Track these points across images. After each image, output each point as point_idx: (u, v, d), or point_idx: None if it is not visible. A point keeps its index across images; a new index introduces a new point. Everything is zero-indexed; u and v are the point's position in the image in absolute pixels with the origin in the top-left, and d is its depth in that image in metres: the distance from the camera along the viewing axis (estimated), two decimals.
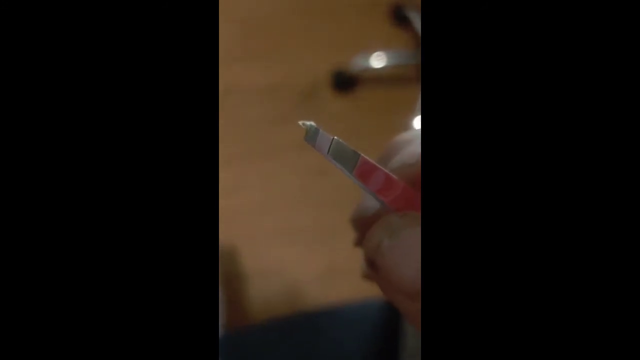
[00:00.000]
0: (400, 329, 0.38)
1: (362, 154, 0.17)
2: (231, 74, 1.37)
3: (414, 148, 0.18)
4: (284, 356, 0.42)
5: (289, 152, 1.34)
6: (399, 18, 1.57)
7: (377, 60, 1.45)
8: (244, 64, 1.42)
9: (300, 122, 0.17)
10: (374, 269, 0.17)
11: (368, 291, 0.37)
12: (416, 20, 1.52)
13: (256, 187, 1.30)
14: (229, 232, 1.12)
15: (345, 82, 1.44)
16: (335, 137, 0.17)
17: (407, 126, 1.21)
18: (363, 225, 0.19)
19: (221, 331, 0.56)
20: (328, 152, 0.17)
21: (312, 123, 0.17)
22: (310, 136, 0.17)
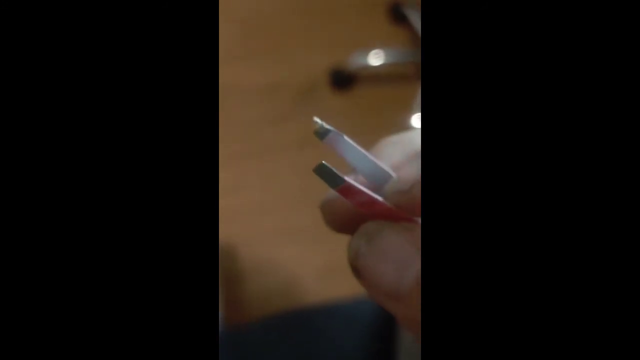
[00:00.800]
0: (397, 326, 0.38)
1: (348, 179, 0.18)
2: (230, 74, 1.37)
3: (409, 171, 0.18)
4: (282, 354, 0.42)
5: (288, 151, 1.34)
6: (397, 16, 1.57)
7: (375, 58, 1.45)
8: (242, 63, 1.42)
9: (315, 119, 0.18)
10: (356, 273, 0.18)
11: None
12: (414, 18, 1.52)
13: (255, 186, 1.30)
14: (228, 231, 1.12)
15: (344, 80, 1.44)
16: (324, 162, 0.18)
17: (406, 124, 1.22)
18: (332, 211, 0.20)
19: (220, 329, 0.57)
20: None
21: (324, 124, 0.18)
22: (320, 134, 0.18)
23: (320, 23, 1.53)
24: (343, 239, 0.19)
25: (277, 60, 1.49)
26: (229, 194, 1.17)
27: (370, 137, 0.22)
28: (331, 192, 0.19)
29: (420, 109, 0.20)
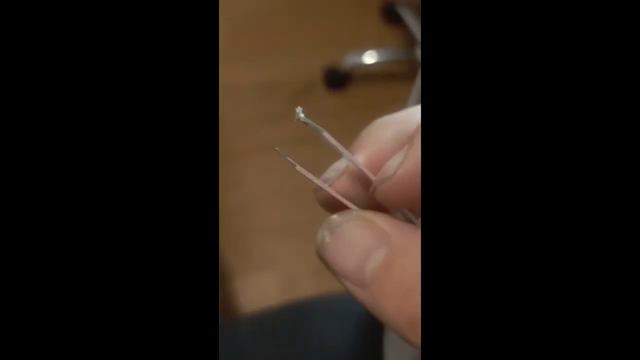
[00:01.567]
0: None
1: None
2: (225, 72, 1.37)
3: (395, 158, 0.19)
4: (274, 347, 0.42)
5: (283, 149, 1.34)
6: (391, 15, 1.57)
7: (370, 58, 1.45)
8: (237, 62, 1.42)
9: (298, 110, 0.19)
10: (323, 263, 0.19)
11: None
12: (408, 17, 1.52)
13: (251, 183, 1.30)
14: (223, 228, 1.12)
15: (338, 79, 1.44)
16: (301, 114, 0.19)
17: None
18: (324, 193, 0.20)
19: None
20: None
21: (305, 118, 0.19)
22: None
23: (314, 23, 1.53)
24: None
25: (272, 59, 1.49)
26: (224, 191, 1.18)
27: None
28: (323, 176, 0.20)
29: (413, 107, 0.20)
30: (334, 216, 0.19)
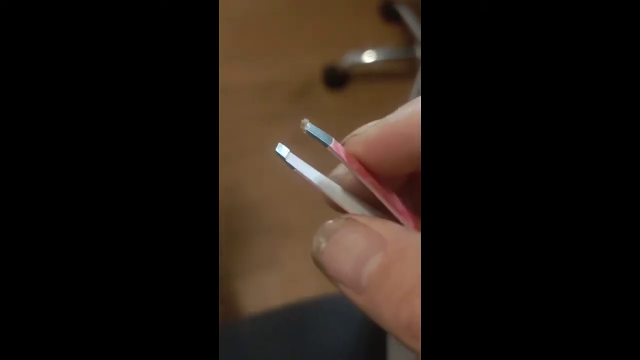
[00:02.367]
0: None
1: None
2: (224, 72, 1.37)
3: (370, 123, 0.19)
4: (275, 347, 0.42)
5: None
6: (389, 14, 1.58)
7: (369, 57, 1.45)
8: (236, 62, 1.42)
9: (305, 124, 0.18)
10: (319, 268, 0.19)
11: None
12: (406, 15, 1.52)
13: (251, 183, 1.30)
14: (224, 228, 1.12)
15: (338, 78, 1.44)
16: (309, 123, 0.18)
17: None
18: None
19: None
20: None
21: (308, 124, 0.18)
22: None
23: (313, 22, 1.53)
24: None
25: (271, 59, 1.49)
26: (225, 191, 1.18)
27: None
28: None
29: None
30: (330, 222, 0.19)
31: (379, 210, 0.20)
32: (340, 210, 0.20)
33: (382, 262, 0.18)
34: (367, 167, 0.19)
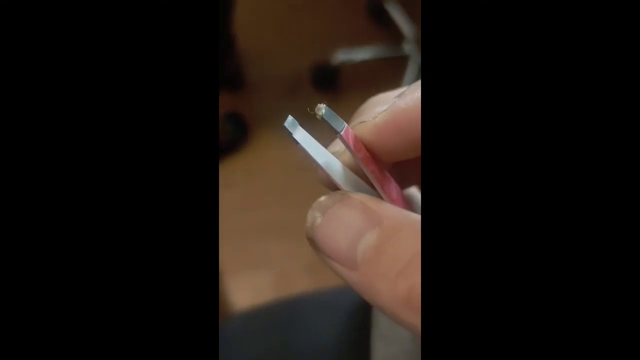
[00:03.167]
0: (372, 312, 0.39)
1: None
2: None
3: (377, 109, 0.19)
4: (264, 342, 0.42)
5: (274, 148, 1.34)
6: (376, 12, 1.57)
7: (358, 55, 1.45)
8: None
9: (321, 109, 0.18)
10: (313, 245, 0.18)
11: None
12: (395, 13, 1.52)
13: (242, 182, 1.30)
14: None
15: (327, 77, 1.44)
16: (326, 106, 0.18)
17: None
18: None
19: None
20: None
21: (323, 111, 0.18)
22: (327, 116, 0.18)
23: (302, 19, 1.53)
24: None
25: (261, 57, 1.48)
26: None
27: None
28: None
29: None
30: (325, 197, 0.19)
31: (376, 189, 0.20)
32: (334, 190, 0.20)
33: (379, 237, 0.17)
34: (373, 153, 0.19)
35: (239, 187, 1.28)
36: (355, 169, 0.20)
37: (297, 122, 0.19)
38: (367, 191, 0.20)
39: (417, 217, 0.18)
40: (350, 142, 0.18)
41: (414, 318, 0.16)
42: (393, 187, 0.20)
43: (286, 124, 0.18)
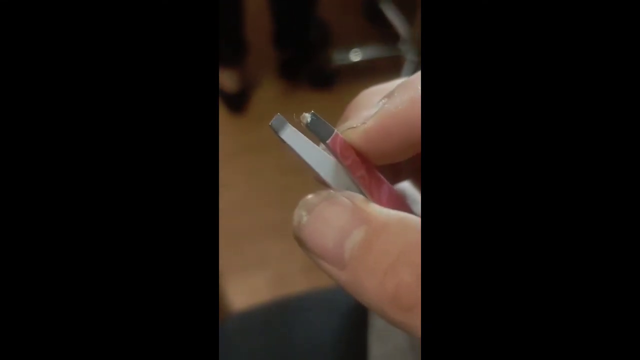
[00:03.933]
0: (368, 310, 0.39)
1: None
2: None
3: (368, 112, 0.18)
4: (261, 342, 0.43)
5: (271, 149, 1.34)
6: (372, 12, 1.57)
7: (354, 55, 1.45)
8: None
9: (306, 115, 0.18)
10: (301, 244, 0.18)
11: None
12: (390, 13, 1.53)
13: (240, 184, 1.30)
14: None
15: (324, 78, 1.44)
16: (313, 112, 0.18)
17: None
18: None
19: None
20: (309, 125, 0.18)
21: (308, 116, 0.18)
22: (313, 125, 0.18)
23: None
24: None
25: (260, 56, 1.48)
26: None
27: None
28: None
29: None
30: (311, 196, 0.18)
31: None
32: (328, 187, 0.20)
33: (366, 234, 0.17)
34: (364, 156, 0.19)
35: (237, 188, 1.28)
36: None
37: (286, 120, 0.18)
38: (358, 190, 0.20)
39: (404, 215, 0.17)
40: (338, 150, 0.18)
41: (402, 316, 0.16)
42: (384, 189, 0.20)
43: (273, 123, 0.18)
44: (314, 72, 1.44)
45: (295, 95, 1.44)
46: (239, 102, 1.43)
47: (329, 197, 0.18)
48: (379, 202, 0.19)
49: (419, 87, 0.18)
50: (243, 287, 1.11)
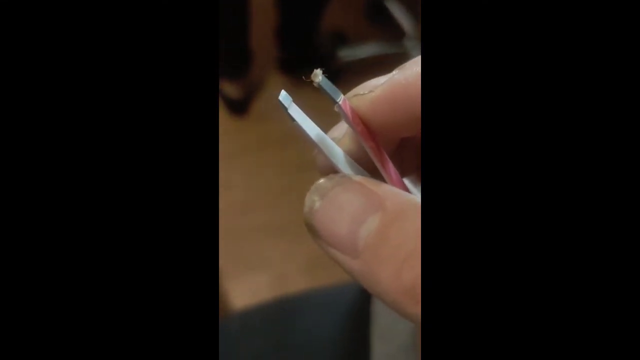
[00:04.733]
0: (371, 309, 0.38)
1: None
2: None
3: (374, 81, 0.18)
4: (262, 341, 0.43)
5: (271, 149, 1.34)
6: (376, 9, 1.58)
7: (359, 52, 1.45)
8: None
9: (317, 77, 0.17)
10: (311, 231, 0.18)
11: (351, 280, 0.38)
12: (394, 10, 1.53)
13: (240, 184, 1.30)
14: None
15: (329, 74, 1.44)
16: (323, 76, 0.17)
17: None
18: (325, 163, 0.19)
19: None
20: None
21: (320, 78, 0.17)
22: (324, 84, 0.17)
23: None
24: None
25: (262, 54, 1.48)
26: None
27: None
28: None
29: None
30: (323, 180, 0.18)
31: (375, 176, 0.19)
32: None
33: (381, 222, 0.16)
34: (369, 129, 0.18)
35: (237, 188, 1.28)
36: (352, 155, 0.19)
37: (290, 98, 0.18)
38: (364, 173, 0.19)
39: (419, 200, 0.17)
40: (349, 112, 0.17)
41: (417, 309, 0.15)
42: (391, 166, 0.19)
43: (280, 97, 0.17)
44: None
45: (299, 92, 1.44)
46: (241, 107, 1.43)
47: (342, 181, 0.17)
48: (389, 177, 0.19)
49: None
50: (243, 288, 1.11)
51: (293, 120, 0.18)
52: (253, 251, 1.18)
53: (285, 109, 0.17)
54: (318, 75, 0.17)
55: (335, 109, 0.17)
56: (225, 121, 1.41)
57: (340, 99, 0.17)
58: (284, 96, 0.17)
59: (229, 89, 1.39)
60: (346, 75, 1.44)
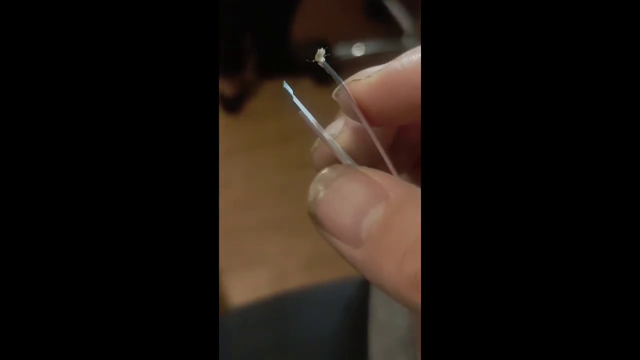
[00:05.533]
0: (370, 304, 0.38)
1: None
2: None
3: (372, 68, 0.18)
4: (260, 337, 0.42)
5: (270, 147, 1.34)
6: (375, 7, 1.57)
7: (357, 50, 1.45)
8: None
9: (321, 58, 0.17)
10: (315, 221, 0.18)
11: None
12: (393, 8, 1.52)
13: (240, 181, 1.29)
14: None
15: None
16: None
17: None
18: (320, 154, 0.20)
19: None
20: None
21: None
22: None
23: (301, 17, 1.53)
24: None
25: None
26: None
27: None
28: (319, 141, 0.19)
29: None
30: (328, 169, 0.18)
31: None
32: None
33: (385, 213, 0.16)
34: (366, 117, 0.18)
35: (236, 184, 1.28)
36: (349, 152, 0.19)
37: (291, 89, 0.18)
38: (366, 163, 0.19)
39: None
40: (351, 94, 0.17)
41: (419, 300, 0.16)
42: (390, 154, 0.19)
43: (285, 86, 0.18)
44: (316, 68, 1.44)
45: (296, 90, 1.44)
46: (236, 104, 1.43)
47: (347, 171, 0.17)
48: (391, 164, 0.19)
49: None
50: (242, 285, 1.11)
51: (298, 109, 0.18)
52: (252, 248, 1.18)
53: (291, 97, 0.18)
54: (321, 55, 0.17)
55: (333, 96, 0.18)
56: (222, 119, 1.41)
57: (340, 83, 0.17)
58: (286, 87, 0.18)
59: (223, 86, 1.40)
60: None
